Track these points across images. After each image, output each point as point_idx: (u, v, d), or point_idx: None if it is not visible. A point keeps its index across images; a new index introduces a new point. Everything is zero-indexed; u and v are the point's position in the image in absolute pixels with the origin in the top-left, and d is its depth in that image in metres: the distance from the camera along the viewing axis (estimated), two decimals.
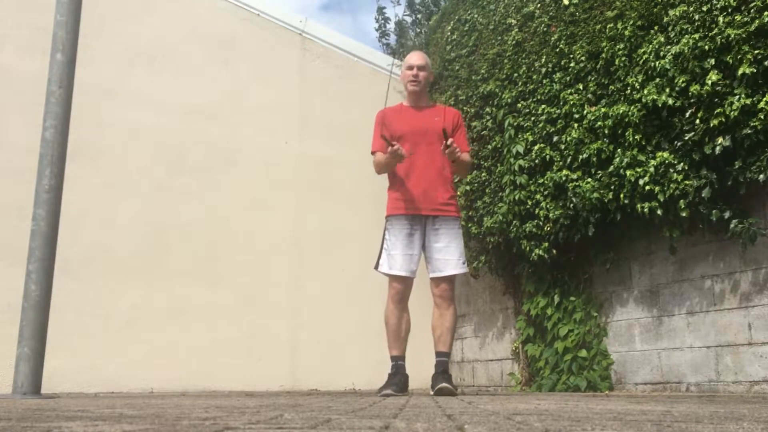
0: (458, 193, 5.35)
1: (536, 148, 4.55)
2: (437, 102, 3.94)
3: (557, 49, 4.56)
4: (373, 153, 3.76)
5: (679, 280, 4.07)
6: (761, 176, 3.35)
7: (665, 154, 3.73)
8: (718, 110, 3.45)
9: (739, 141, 3.41)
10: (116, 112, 5.32)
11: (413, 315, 3.68)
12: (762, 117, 3.28)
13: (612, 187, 4.03)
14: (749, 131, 3.34)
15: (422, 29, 6.95)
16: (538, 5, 4.85)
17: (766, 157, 3.33)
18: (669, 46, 3.74)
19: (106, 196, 5.16)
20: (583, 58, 4.34)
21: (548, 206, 4.44)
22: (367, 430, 1.17)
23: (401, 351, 3.64)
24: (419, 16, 7.37)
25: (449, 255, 3.58)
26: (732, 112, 3.37)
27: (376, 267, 3.65)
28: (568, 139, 4.31)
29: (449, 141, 3.49)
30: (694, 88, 3.54)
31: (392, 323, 3.61)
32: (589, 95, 4.28)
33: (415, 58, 3.82)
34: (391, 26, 7.32)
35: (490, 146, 5.08)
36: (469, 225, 5.21)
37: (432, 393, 3.48)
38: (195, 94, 5.67)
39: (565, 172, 4.31)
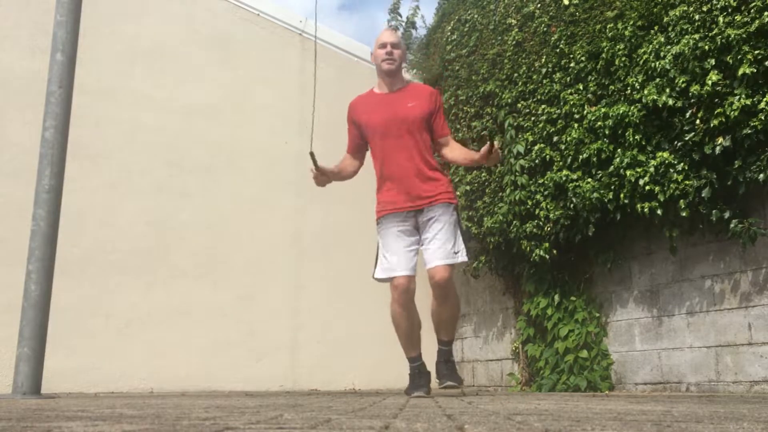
0: (458, 193, 5.34)
1: (536, 148, 4.55)
2: (411, 81, 3.74)
3: (557, 49, 4.56)
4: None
5: (679, 280, 4.07)
6: (761, 176, 3.35)
7: (665, 154, 3.73)
8: (718, 110, 3.45)
9: (739, 141, 3.42)
10: (116, 112, 5.32)
11: (420, 308, 3.55)
12: (762, 117, 3.28)
13: (612, 188, 4.03)
14: (749, 131, 3.34)
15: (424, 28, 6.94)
16: (538, 5, 4.85)
17: (766, 157, 3.33)
18: (669, 47, 3.74)
19: (106, 196, 5.16)
20: (583, 58, 4.34)
21: (548, 206, 4.44)
22: (367, 430, 1.17)
23: (418, 350, 3.49)
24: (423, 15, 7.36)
25: (438, 244, 3.35)
26: (732, 113, 3.37)
27: (373, 275, 3.47)
28: (569, 139, 4.31)
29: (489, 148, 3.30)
30: (695, 89, 3.54)
31: (403, 326, 3.43)
32: (589, 95, 4.28)
33: (387, 34, 3.56)
34: (397, 22, 7.30)
35: None
36: (469, 225, 5.21)
37: (439, 387, 3.45)
38: (195, 94, 5.67)
39: (565, 172, 4.31)
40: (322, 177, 3.51)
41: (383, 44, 3.52)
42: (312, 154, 3.34)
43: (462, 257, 3.38)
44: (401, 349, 3.58)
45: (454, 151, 3.60)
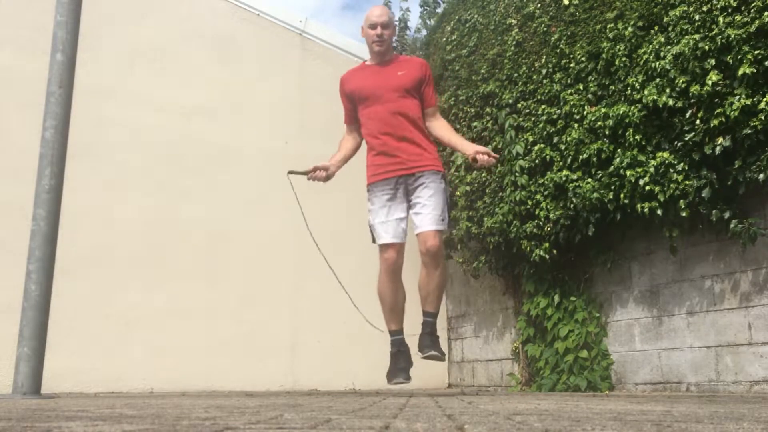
0: (458, 193, 5.34)
1: (536, 148, 4.55)
2: (401, 54, 3.84)
3: (557, 50, 4.56)
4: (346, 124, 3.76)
5: (679, 280, 4.07)
6: (761, 176, 3.35)
7: (665, 155, 3.73)
8: (719, 110, 3.45)
9: (740, 141, 3.42)
10: (116, 112, 5.32)
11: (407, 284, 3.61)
12: (762, 117, 3.28)
13: (612, 188, 4.03)
14: (749, 131, 3.34)
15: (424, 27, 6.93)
16: (538, 5, 4.84)
17: (766, 157, 3.33)
18: (669, 47, 3.74)
19: (106, 196, 5.16)
20: (583, 59, 4.34)
21: (548, 206, 4.44)
22: (367, 430, 1.17)
23: (400, 324, 3.57)
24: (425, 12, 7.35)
25: (428, 209, 3.41)
26: (732, 113, 3.37)
27: (372, 241, 3.57)
28: (569, 139, 4.31)
29: (472, 157, 3.45)
30: (695, 89, 3.54)
31: (389, 298, 3.52)
32: (590, 95, 4.28)
33: (377, 14, 3.62)
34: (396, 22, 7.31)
35: (490, 146, 5.08)
36: (469, 225, 5.21)
37: (421, 357, 3.50)
38: (195, 94, 5.67)
39: (565, 172, 4.31)
40: (320, 172, 3.62)
41: (373, 24, 3.61)
42: (291, 172, 3.52)
43: (446, 224, 3.48)
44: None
45: (441, 127, 3.70)
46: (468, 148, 3.58)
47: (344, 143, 3.80)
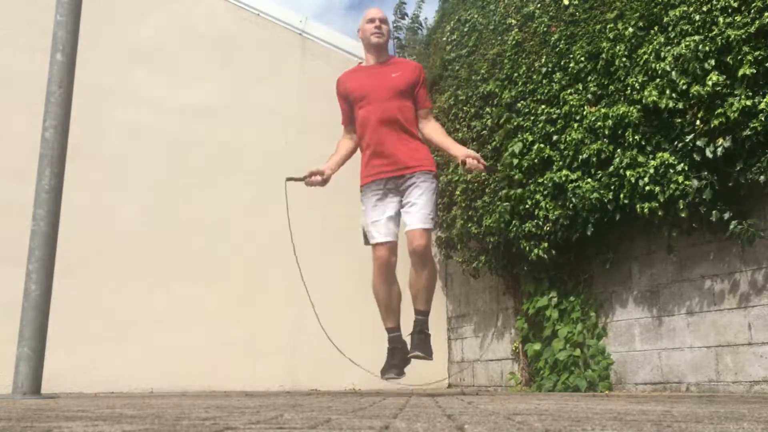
0: (458, 192, 5.34)
1: (536, 148, 4.55)
2: (396, 56, 3.88)
3: (557, 49, 4.56)
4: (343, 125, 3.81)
5: (679, 280, 4.07)
6: (762, 177, 3.35)
7: (665, 155, 3.73)
8: (719, 111, 3.45)
9: (740, 142, 3.41)
10: (116, 112, 5.32)
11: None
12: (762, 119, 3.28)
13: (612, 188, 4.03)
14: (749, 132, 3.34)
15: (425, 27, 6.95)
16: (538, 5, 4.85)
17: (767, 159, 3.33)
18: (669, 47, 3.74)
19: (106, 196, 5.16)
20: (583, 59, 4.34)
21: (547, 206, 4.44)
22: (367, 430, 1.17)
23: (396, 322, 3.60)
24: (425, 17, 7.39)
25: (417, 208, 3.45)
26: (732, 113, 3.37)
27: (364, 243, 3.60)
28: (568, 139, 4.31)
29: (464, 163, 3.50)
30: (695, 89, 3.54)
31: (383, 297, 3.55)
32: (589, 95, 4.28)
33: (375, 11, 3.71)
34: (406, 22, 7.31)
35: (490, 146, 5.08)
36: (469, 225, 5.21)
37: (408, 355, 3.53)
38: (195, 94, 5.66)
39: (564, 172, 4.31)
40: (316, 177, 3.66)
41: (372, 19, 3.68)
42: (289, 179, 3.55)
43: (433, 223, 3.50)
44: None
45: (433, 130, 3.74)
46: (458, 151, 3.61)
47: (341, 145, 3.83)
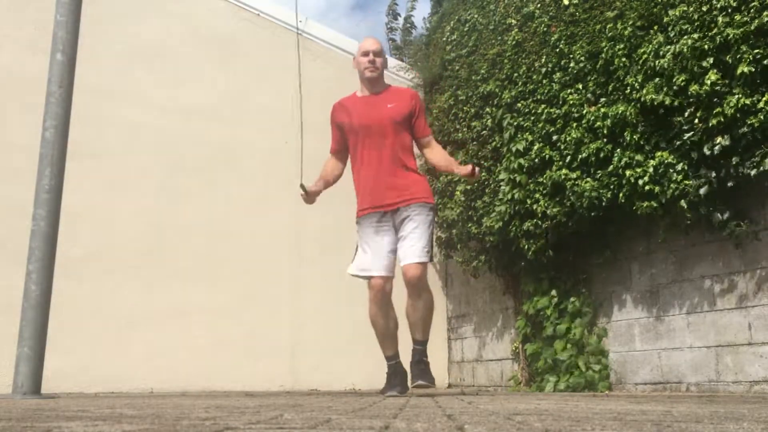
0: (458, 192, 5.34)
1: (536, 147, 4.55)
2: (392, 85, 3.85)
3: (557, 49, 4.56)
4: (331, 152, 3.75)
5: (679, 280, 4.07)
6: (753, 171, 3.36)
7: (664, 154, 3.73)
8: (717, 110, 3.45)
9: (737, 139, 3.42)
10: (116, 112, 5.32)
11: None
12: (762, 117, 3.28)
13: (611, 187, 4.03)
14: (746, 129, 3.35)
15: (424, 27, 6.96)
16: (538, 5, 4.85)
17: (761, 153, 3.34)
18: (669, 46, 3.74)
19: (106, 196, 5.16)
20: (582, 58, 4.34)
21: (546, 205, 4.44)
22: (367, 430, 1.18)
23: (395, 349, 3.59)
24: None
25: (411, 242, 3.42)
26: (729, 110, 3.37)
27: (348, 271, 3.54)
28: (568, 138, 4.31)
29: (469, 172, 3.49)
30: (693, 88, 3.54)
31: (380, 325, 3.53)
32: (589, 95, 4.28)
33: (370, 43, 3.66)
34: (399, 22, 7.33)
35: (489, 146, 5.08)
36: (469, 225, 5.21)
37: (411, 386, 3.53)
38: (195, 94, 5.66)
39: (564, 171, 4.31)
40: (311, 197, 3.66)
41: (366, 52, 3.64)
42: (302, 186, 3.53)
43: (428, 257, 3.47)
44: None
45: (436, 155, 3.73)
46: (463, 168, 3.60)
47: (328, 169, 3.77)
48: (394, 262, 3.51)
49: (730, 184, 3.53)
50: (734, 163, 3.46)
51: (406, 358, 3.63)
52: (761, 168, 3.34)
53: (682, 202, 3.67)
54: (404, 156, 3.55)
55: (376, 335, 3.59)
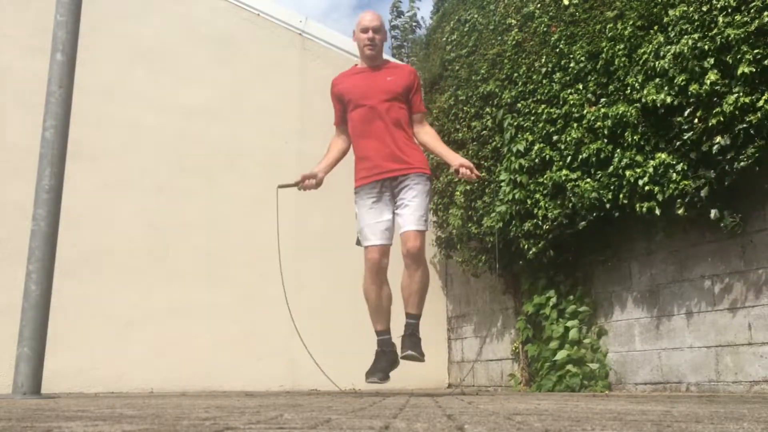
0: (458, 192, 5.34)
1: (536, 147, 4.55)
2: (391, 60, 3.87)
3: (557, 49, 4.56)
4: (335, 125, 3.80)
5: (679, 280, 4.07)
6: (742, 164, 3.36)
7: (664, 155, 3.73)
8: (717, 110, 3.45)
9: (735, 136, 3.42)
10: (116, 112, 5.32)
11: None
12: (760, 116, 3.28)
13: (611, 187, 4.03)
14: (744, 126, 3.35)
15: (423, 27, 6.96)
16: (538, 5, 4.85)
17: (755, 148, 3.34)
18: (669, 46, 3.74)
19: (106, 196, 5.15)
20: (583, 58, 4.34)
21: (546, 205, 4.44)
22: (367, 430, 1.18)
23: (385, 325, 3.59)
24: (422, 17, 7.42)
25: (411, 210, 3.45)
26: (728, 107, 3.37)
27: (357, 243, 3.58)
28: (568, 139, 4.31)
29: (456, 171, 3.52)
30: (693, 88, 3.54)
31: (373, 299, 3.54)
32: (589, 95, 4.28)
33: (369, 18, 3.65)
34: (402, 20, 7.32)
35: (490, 146, 5.08)
36: (469, 225, 5.21)
37: (401, 356, 3.52)
38: (195, 94, 5.66)
39: (564, 172, 4.31)
40: (309, 180, 3.68)
41: (365, 29, 3.64)
42: (281, 186, 3.58)
43: (426, 225, 3.51)
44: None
45: (427, 135, 3.74)
46: (453, 159, 3.62)
47: (333, 145, 3.82)
48: (392, 231, 3.53)
49: (726, 182, 3.53)
50: (728, 157, 3.45)
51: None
52: (750, 161, 3.34)
53: (680, 202, 3.67)
54: (402, 127, 3.58)
55: (368, 308, 3.59)
